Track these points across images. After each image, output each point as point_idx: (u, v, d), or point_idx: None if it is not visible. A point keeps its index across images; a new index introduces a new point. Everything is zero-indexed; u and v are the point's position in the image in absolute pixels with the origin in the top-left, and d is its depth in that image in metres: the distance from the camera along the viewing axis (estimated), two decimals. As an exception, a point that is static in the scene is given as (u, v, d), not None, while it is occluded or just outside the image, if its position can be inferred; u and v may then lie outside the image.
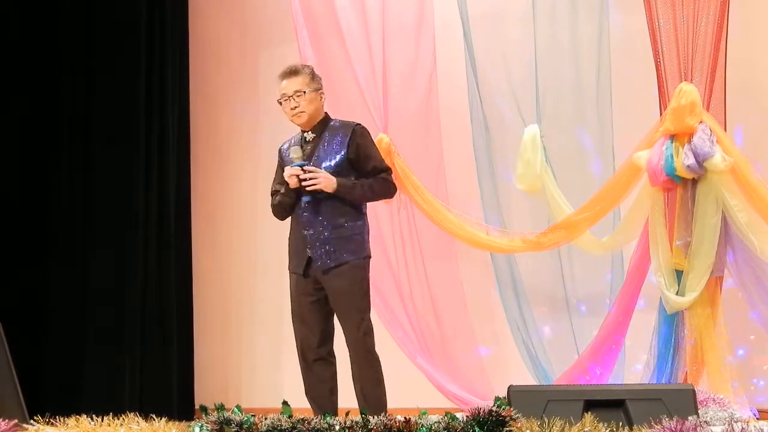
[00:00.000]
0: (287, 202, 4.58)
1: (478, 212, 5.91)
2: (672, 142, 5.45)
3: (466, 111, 5.92)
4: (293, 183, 4.47)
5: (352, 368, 4.51)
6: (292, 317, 4.61)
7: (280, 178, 4.69)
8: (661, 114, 5.56)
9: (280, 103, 4.59)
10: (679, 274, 5.48)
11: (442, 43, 5.93)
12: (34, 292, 5.77)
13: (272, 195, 4.71)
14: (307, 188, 4.43)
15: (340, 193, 4.46)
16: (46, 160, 5.89)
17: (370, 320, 4.56)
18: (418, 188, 5.84)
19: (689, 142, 5.40)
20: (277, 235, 6.30)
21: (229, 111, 6.50)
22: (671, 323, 5.51)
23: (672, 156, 5.42)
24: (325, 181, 4.43)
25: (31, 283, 5.77)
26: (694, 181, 5.47)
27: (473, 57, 5.87)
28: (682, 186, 5.50)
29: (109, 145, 5.93)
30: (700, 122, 5.41)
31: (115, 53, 5.99)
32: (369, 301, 4.58)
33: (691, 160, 5.36)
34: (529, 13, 5.84)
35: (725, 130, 5.50)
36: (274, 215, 4.72)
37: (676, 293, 5.46)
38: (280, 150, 4.75)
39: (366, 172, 4.55)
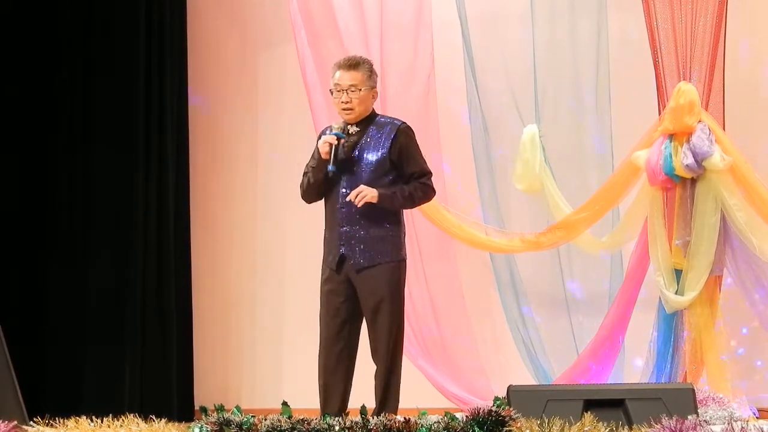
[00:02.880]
0: (317, 176, 4.42)
1: (477, 212, 5.91)
2: (671, 142, 5.46)
3: (464, 111, 5.92)
4: (325, 151, 4.35)
5: (375, 379, 4.43)
6: (320, 309, 4.51)
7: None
8: (659, 113, 5.57)
9: (331, 92, 4.49)
10: (678, 273, 5.49)
11: (441, 44, 5.92)
12: (34, 292, 5.77)
13: (303, 175, 4.57)
14: (359, 204, 4.32)
15: (381, 203, 4.36)
16: (45, 160, 5.89)
17: (402, 330, 4.46)
18: (418, 188, 5.82)
19: (688, 141, 5.40)
20: (277, 236, 6.36)
21: (228, 111, 6.49)
22: (670, 323, 5.51)
23: (671, 155, 5.42)
24: (369, 192, 4.33)
25: (31, 283, 5.77)
26: (693, 181, 5.47)
27: (472, 57, 5.86)
28: (681, 185, 5.50)
29: (109, 145, 5.93)
30: (699, 121, 5.42)
31: (114, 53, 5.98)
32: (402, 307, 4.46)
33: (690, 160, 5.36)
34: (527, 13, 5.84)
35: (724, 129, 5.51)
36: (303, 197, 4.58)
37: (676, 292, 5.46)
38: (320, 134, 4.60)
39: (407, 175, 4.45)
